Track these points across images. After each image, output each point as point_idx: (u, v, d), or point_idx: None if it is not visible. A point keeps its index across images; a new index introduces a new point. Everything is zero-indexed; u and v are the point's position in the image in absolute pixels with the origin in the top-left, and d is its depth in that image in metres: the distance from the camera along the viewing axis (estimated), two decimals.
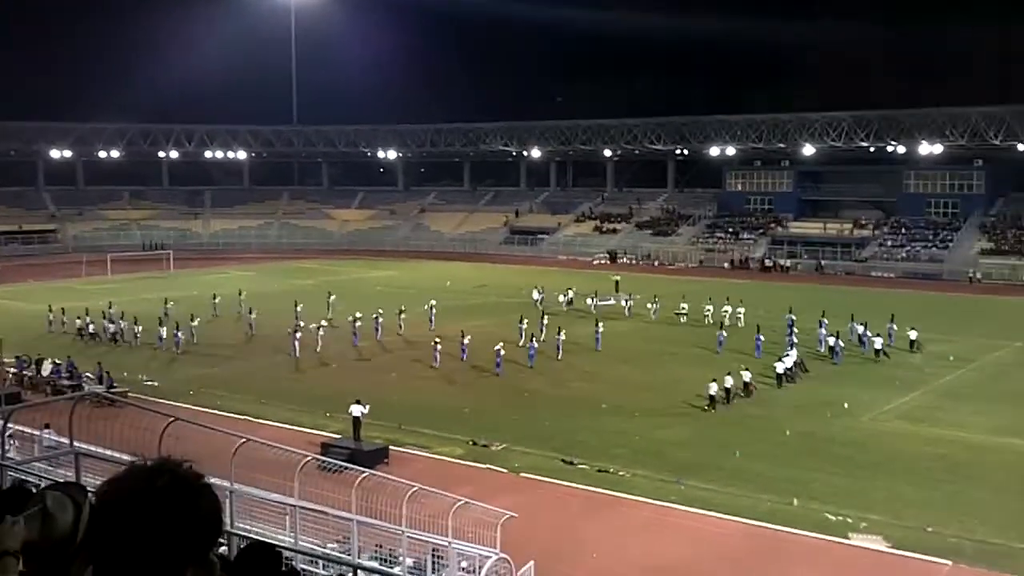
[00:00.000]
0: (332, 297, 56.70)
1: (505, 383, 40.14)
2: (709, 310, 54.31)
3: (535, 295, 60.37)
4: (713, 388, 35.66)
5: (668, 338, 50.24)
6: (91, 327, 50.54)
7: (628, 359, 44.63)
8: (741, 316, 52.85)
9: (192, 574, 2.25)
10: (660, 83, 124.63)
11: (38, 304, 61.67)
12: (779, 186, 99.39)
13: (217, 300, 56.27)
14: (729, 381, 36.42)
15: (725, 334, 46.49)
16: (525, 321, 48.11)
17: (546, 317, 48.83)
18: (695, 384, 39.26)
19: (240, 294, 58.95)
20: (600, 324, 46.50)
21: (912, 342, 46.06)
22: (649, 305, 56.16)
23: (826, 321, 47.18)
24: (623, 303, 58.05)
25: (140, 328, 48.96)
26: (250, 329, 51.43)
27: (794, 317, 48.60)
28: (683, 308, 54.73)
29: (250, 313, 52.42)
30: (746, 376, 37.61)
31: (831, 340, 44.60)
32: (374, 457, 28.01)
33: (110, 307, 53.32)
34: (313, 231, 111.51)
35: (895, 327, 46.97)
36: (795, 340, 45.65)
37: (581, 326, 49.73)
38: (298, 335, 45.66)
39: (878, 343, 44.61)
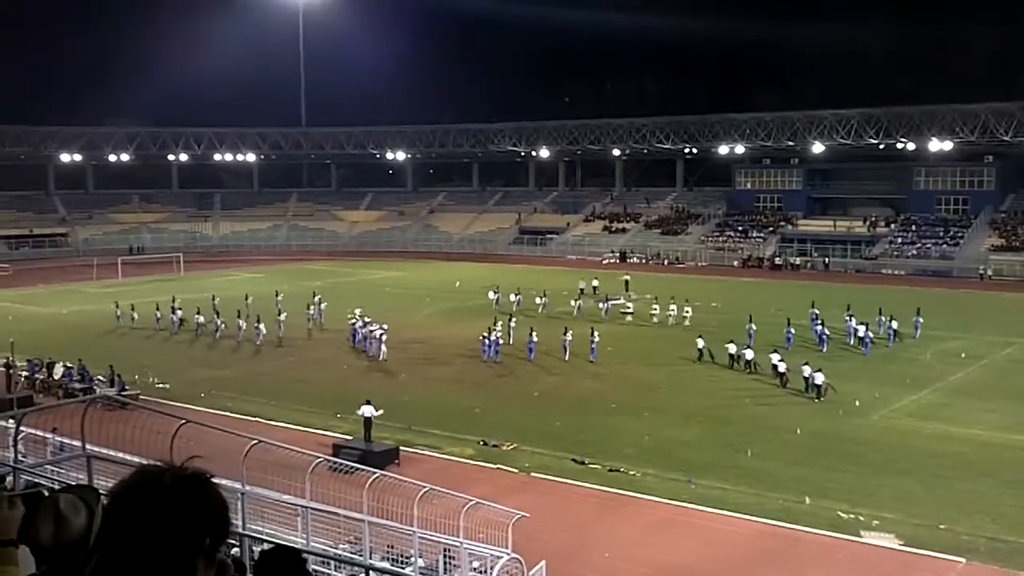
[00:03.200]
0: (317, 298, 56.44)
1: (514, 384, 40.17)
2: (655, 309, 54.06)
3: (490, 295, 60.22)
4: (808, 371, 36.64)
5: (664, 337, 49.99)
6: (199, 318, 52.34)
7: (629, 359, 44.39)
8: (688, 316, 52.23)
9: (202, 567, 2.34)
10: (668, 82, 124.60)
11: (49, 307, 62.01)
12: (788, 184, 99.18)
13: (249, 300, 56.23)
14: (807, 371, 37.33)
15: (755, 327, 45.89)
16: (499, 323, 48.12)
17: (514, 320, 48.89)
18: (701, 383, 39.29)
19: (277, 295, 58.88)
20: (595, 333, 45.07)
21: (895, 332, 47.01)
22: (601, 305, 55.64)
23: (853, 315, 47.80)
24: (572, 303, 56.57)
25: (222, 321, 50.98)
26: (308, 323, 53.15)
27: (817, 311, 48.87)
28: (629, 308, 54.12)
29: (308, 309, 53.55)
30: (782, 367, 38.41)
31: (861, 330, 45.54)
32: (385, 458, 28.03)
33: (173, 301, 54.86)
34: (322, 233, 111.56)
35: (921, 320, 48.19)
36: (827, 333, 46.10)
37: (580, 327, 49.37)
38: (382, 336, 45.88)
39: (861, 330, 45.46)
